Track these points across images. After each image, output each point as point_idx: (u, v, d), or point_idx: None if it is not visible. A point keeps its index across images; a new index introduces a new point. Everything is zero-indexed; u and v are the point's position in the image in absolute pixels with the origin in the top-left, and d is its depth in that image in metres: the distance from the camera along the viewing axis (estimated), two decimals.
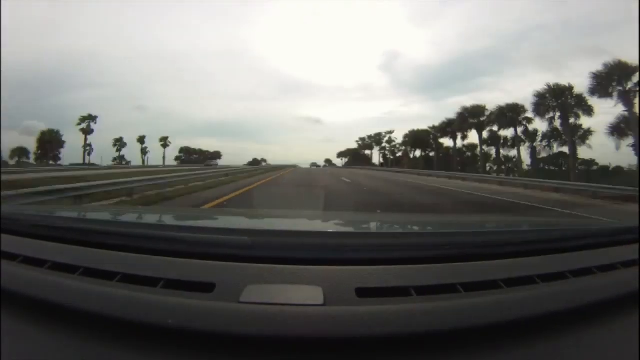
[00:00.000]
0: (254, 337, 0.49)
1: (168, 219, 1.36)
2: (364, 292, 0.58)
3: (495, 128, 29.75)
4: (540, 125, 25.80)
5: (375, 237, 1.01)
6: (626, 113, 19.61)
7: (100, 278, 0.62)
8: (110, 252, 0.71)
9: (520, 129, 27.83)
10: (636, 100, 18.99)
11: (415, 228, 1.33)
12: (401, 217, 2.16)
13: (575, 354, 0.52)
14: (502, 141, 30.64)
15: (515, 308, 0.56)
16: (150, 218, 1.36)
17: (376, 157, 50.95)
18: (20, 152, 36.58)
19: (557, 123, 23.86)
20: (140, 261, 0.67)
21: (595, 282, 0.68)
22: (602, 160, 26.53)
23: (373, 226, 1.38)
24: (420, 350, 0.49)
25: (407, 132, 42.34)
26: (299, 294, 0.56)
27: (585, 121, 22.82)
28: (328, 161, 74.47)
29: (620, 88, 19.44)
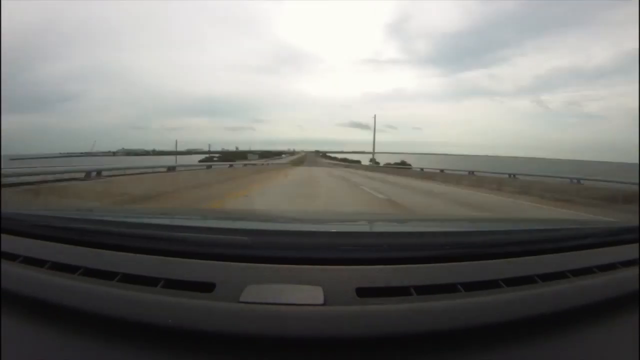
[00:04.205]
0: (254, 337, 0.49)
1: (168, 219, 1.36)
2: (364, 292, 0.58)
3: None
4: None
5: (375, 236, 1.01)
6: None
7: (100, 278, 0.62)
8: (110, 252, 0.71)
9: None
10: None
11: (416, 228, 1.33)
12: (401, 216, 2.16)
13: (575, 354, 0.52)
14: None
15: (515, 308, 0.56)
16: (150, 218, 1.36)
17: None
18: None
19: None
20: (141, 261, 0.67)
21: (595, 282, 0.68)
22: None
23: (373, 226, 1.38)
24: (420, 350, 0.49)
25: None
26: (299, 294, 0.56)
27: None
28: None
29: None
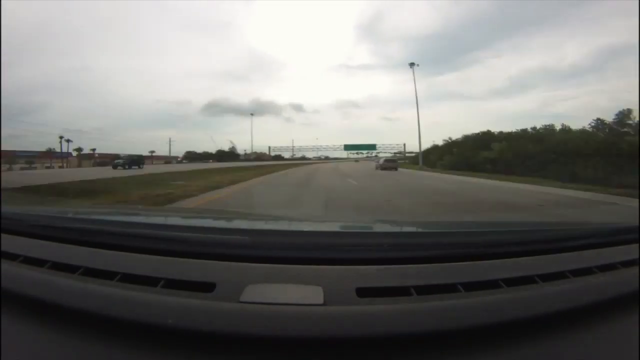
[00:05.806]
0: (254, 337, 0.49)
1: (168, 219, 1.36)
2: (364, 292, 0.58)
3: None
4: None
5: (375, 236, 1.01)
6: None
7: (100, 278, 0.62)
8: (110, 252, 0.71)
9: None
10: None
11: (416, 228, 1.34)
12: (401, 216, 2.16)
13: (575, 354, 0.52)
14: None
15: (515, 308, 0.56)
16: (150, 218, 1.37)
17: None
18: None
19: None
20: (140, 261, 0.67)
21: (595, 282, 0.68)
22: None
23: (373, 226, 1.38)
24: (420, 350, 0.49)
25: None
26: (299, 294, 0.56)
27: None
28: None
29: None
